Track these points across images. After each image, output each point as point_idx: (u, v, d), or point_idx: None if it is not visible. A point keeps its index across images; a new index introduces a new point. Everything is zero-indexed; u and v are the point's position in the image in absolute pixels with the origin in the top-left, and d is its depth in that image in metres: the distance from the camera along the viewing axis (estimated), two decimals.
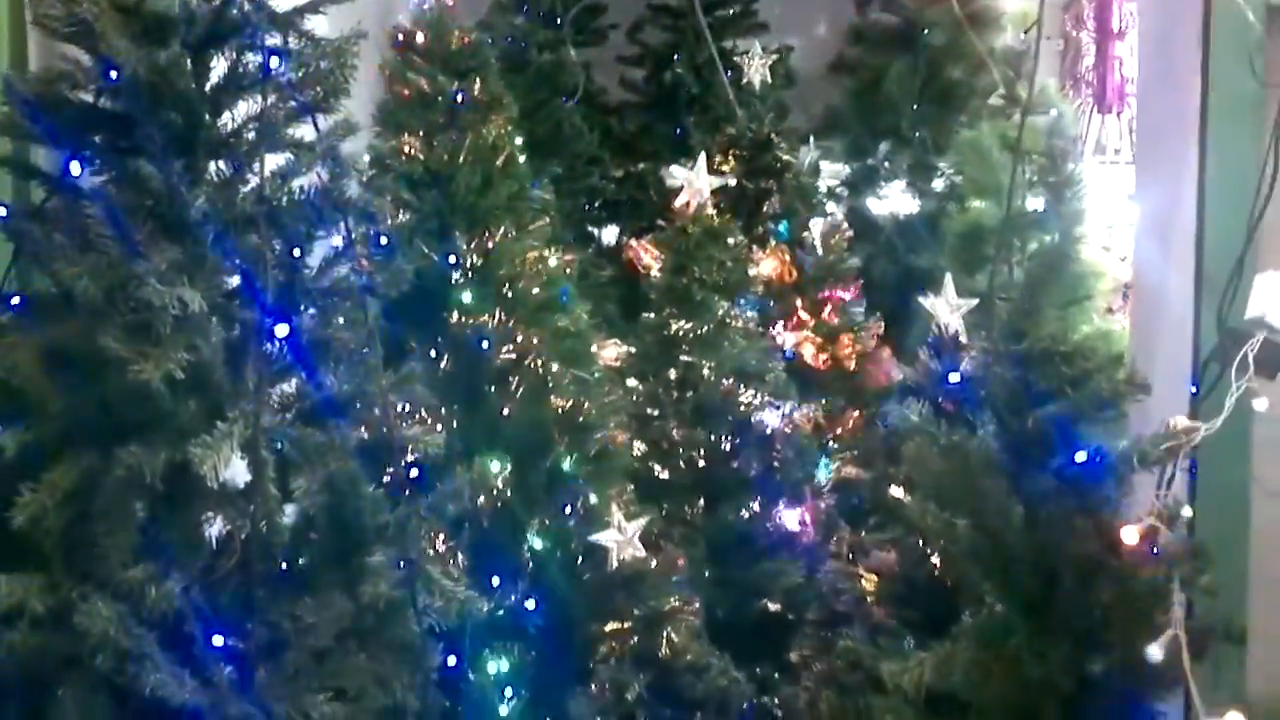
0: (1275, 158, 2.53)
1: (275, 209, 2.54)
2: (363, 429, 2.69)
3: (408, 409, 3.00)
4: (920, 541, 2.69)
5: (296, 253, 2.60)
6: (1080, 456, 2.14)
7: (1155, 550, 2.07)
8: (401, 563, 2.58)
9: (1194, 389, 2.59)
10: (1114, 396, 2.18)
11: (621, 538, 3.35)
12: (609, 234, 5.79)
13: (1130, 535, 2.06)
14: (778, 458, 3.85)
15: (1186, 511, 2.15)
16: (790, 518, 3.78)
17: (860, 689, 2.25)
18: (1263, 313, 2.20)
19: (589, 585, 3.37)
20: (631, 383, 3.98)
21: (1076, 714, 2.12)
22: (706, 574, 3.72)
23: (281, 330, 2.48)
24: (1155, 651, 1.82)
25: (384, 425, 2.71)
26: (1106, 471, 2.16)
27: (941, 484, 2.25)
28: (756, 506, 3.80)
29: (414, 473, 2.74)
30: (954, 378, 2.34)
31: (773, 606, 3.70)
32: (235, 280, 2.54)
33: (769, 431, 3.87)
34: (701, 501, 3.86)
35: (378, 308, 2.76)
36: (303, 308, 2.59)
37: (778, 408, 3.84)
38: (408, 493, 2.69)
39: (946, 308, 3.06)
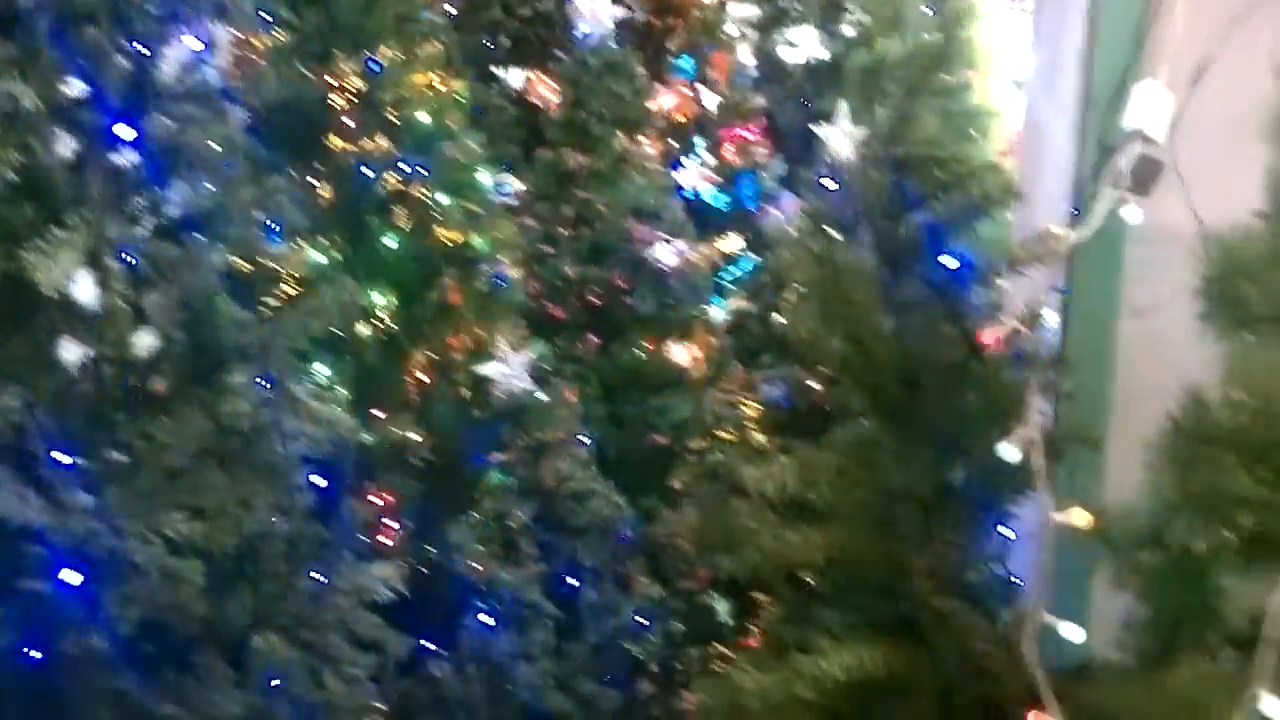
0: None
1: (120, 3, 2.38)
2: (226, 248, 2.58)
3: (279, 230, 2.88)
4: (801, 367, 2.67)
5: (146, 53, 2.44)
6: (949, 262, 2.12)
7: (1018, 356, 2.07)
8: (265, 383, 2.51)
9: (1074, 210, 2.55)
10: (986, 202, 2.14)
11: (508, 370, 3.30)
12: (515, 77, 5.59)
13: (990, 337, 2.04)
14: (672, 295, 3.80)
15: (1049, 316, 2.14)
16: (682, 354, 3.75)
17: (726, 499, 2.25)
18: (1140, 124, 2.13)
19: (475, 417, 3.33)
20: (527, 220, 3.89)
21: (934, 519, 2.14)
22: (598, 410, 3.70)
23: (126, 133, 2.34)
24: (1009, 449, 1.81)
25: (247, 242, 2.60)
26: (975, 278, 2.15)
27: (815, 295, 2.21)
28: (649, 343, 3.76)
29: (280, 292, 2.65)
30: (829, 184, 2.29)
31: (661, 440, 3.70)
32: (81, 85, 2.38)
33: (664, 269, 3.82)
34: (595, 338, 3.81)
35: (241, 116, 2.63)
36: (153, 113, 2.45)
37: (670, 243, 3.78)
38: (272, 313, 2.60)
39: (840, 135, 3.01)
